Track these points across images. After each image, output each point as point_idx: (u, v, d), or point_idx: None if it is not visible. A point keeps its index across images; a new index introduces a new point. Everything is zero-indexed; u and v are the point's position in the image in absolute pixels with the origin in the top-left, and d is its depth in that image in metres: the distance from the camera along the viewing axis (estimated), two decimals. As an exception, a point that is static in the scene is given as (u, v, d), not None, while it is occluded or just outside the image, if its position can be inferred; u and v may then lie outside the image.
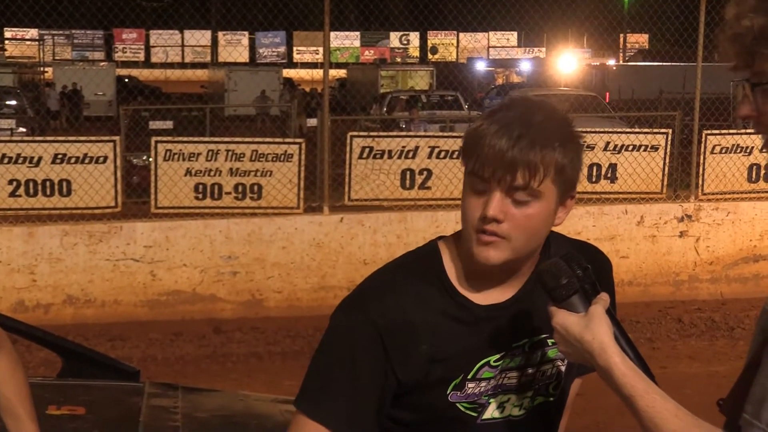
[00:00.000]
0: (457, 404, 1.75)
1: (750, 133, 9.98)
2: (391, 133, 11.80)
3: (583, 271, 1.65)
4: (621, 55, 42.83)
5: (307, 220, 8.96)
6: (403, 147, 9.32)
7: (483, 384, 1.76)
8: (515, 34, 56.03)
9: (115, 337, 8.11)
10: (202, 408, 3.23)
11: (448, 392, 1.74)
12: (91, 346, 6.63)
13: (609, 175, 9.79)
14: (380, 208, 9.23)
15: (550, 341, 1.79)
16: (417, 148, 9.27)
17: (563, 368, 1.85)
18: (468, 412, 1.76)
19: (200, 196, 8.98)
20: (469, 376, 1.74)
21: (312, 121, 15.42)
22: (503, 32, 55.94)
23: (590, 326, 1.59)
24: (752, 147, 9.92)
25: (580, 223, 9.27)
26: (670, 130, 10.20)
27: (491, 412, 1.78)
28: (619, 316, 1.73)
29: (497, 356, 1.76)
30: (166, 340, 8.13)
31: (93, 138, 9.31)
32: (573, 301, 1.62)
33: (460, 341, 1.74)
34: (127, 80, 33.87)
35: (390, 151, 9.27)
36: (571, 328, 1.60)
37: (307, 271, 8.84)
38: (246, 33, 50.56)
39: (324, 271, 8.80)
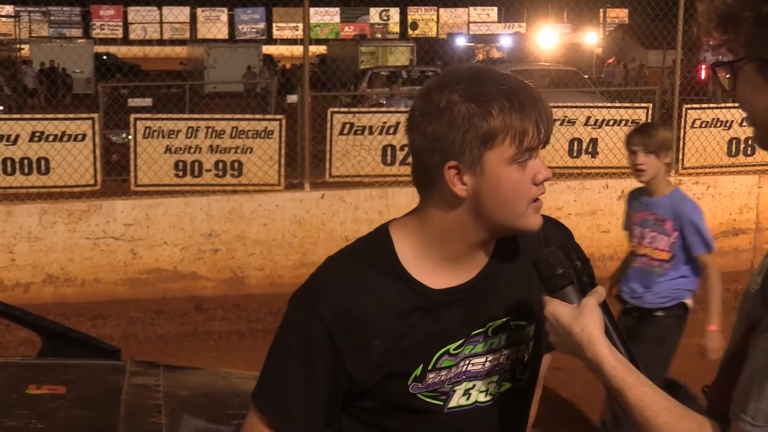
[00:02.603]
0: (419, 395, 1.72)
1: (730, 107, 10.02)
2: (371, 109, 11.76)
3: (583, 263, 1.64)
4: (602, 29, 42.82)
5: (288, 197, 8.93)
6: (384, 123, 9.30)
7: (443, 373, 1.72)
8: (495, 9, 55.96)
9: (95, 315, 8.08)
10: (184, 386, 3.22)
11: (408, 383, 1.71)
12: (72, 325, 6.60)
13: (590, 150, 9.81)
14: (361, 185, 9.21)
15: (513, 324, 1.77)
16: (398, 123, 9.24)
17: (529, 351, 1.81)
18: (432, 401, 1.73)
19: (180, 173, 8.93)
20: (429, 367, 1.71)
21: (292, 98, 15.35)
22: (483, 7, 55.89)
23: (580, 318, 1.57)
24: (732, 121, 9.96)
25: (561, 198, 9.29)
26: (651, 105, 10.22)
27: (457, 399, 1.75)
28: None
29: (457, 343, 1.72)
30: (147, 319, 8.11)
31: (71, 115, 9.21)
32: (567, 292, 1.61)
33: (418, 330, 1.69)
34: (105, 57, 33.57)
35: (371, 127, 9.24)
36: (561, 319, 1.58)
37: (288, 248, 8.83)
38: (225, 9, 50.23)
39: (305, 248, 8.79)
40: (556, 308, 1.60)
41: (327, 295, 1.70)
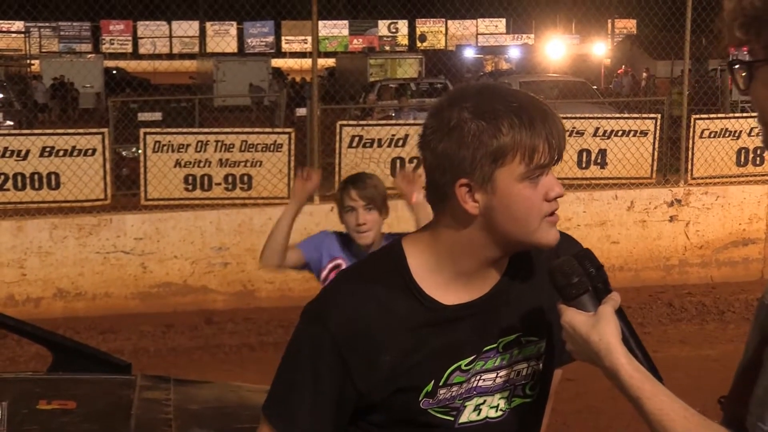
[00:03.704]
0: (429, 410, 1.72)
1: (738, 117, 10.00)
2: (380, 122, 11.78)
3: (597, 270, 1.64)
4: (610, 40, 42.82)
5: (297, 210, 8.93)
6: (393, 135, 9.31)
7: (455, 388, 1.72)
8: (503, 20, 56.02)
9: (106, 330, 8.10)
10: (195, 400, 3.22)
11: (419, 399, 1.70)
12: (82, 339, 6.62)
13: (599, 160, 9.80)
14: (371, 197, 9.20)
15: (524, 339, 1.77)
16: (407, 136, 9.25)
17: (540, 367, 1.81)
18: (443, 416, 1.73)
19: (190, 187, 8.95)
20: (440, 383, 1.70)
21: (301, 111, 15.38)
22: (491, 19, 55.91)
23: (598, 326, 1.57)
24: (741, 131, 9.93)
25: (570, 209, 9.28)
26: (659, 115, 10.21)
27: (468, 415, 1.74)
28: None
29: (468, 359, 1.72)
30: (158, 332, 8.12)
31: (81, 130, 9.27)
32: (583, 300, 1.61)
33: (428, 346, 1.69)
34: (115, 72, 33.69)
35: (380, 140, 9.26)
36: (578, 328, 1.59)
37: (298, 261, 8.82)
38: (234, 23, 50.41)
39: (315, 261, 8.79)
40: (573, 317, 1.60)
41: (337, 309, 1.69)
